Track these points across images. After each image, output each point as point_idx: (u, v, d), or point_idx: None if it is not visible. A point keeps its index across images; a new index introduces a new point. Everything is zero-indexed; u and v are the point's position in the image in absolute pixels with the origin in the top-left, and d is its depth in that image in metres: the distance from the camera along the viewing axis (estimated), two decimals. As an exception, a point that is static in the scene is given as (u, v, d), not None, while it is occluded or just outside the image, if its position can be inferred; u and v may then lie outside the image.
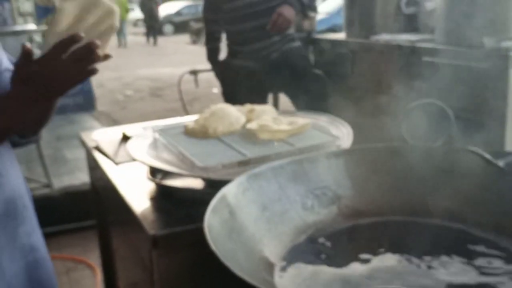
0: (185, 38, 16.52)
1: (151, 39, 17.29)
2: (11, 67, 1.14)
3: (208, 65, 3.05)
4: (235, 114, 1.48)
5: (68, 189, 3.00)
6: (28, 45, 0.98)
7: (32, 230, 1.22)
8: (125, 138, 1.71)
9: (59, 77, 0.97)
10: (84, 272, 2.39)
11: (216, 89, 7.16)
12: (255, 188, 1.02)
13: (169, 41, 15.78)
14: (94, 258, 2.28)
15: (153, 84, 8.21)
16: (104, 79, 8.36)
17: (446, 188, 1.05)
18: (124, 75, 9.16)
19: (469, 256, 0.91)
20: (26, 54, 0.96)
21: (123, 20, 16.10)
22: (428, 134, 1.24)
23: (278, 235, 0.98)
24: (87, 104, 5.29)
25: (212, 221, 0.84)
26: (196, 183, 1.36)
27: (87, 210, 2.21)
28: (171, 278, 1.17)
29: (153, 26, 17.21)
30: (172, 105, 5.62)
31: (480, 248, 0.93)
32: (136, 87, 8.03)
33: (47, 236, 1.28)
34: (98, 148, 1.71)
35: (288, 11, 2.55)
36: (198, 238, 0.80)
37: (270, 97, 3.50)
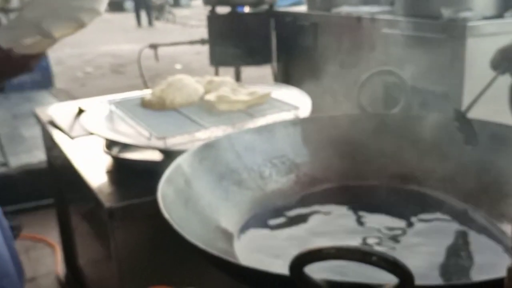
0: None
1: (144, 20, 13.78)
2: None
3: (169, 40, 2.99)
4: (193, 85, 1.45)
5: (25, 168, 2.91)
6: None
7: None
8: (81, 112, 1.67)
9: None
10: (43, 250, 2.34)
11: (179, 65, 7.06)
12: (212, 157, 1.01)
13: (131, 18, 15.42)
14: (54, 237, 2.23)
15: (115, 60, 8.03)
16: (63, 56, 8.12)
17: (402, 155, 1.06)
18: (85, 52, 8.92)
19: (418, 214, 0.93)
20: None
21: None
22: (385, 102, 1.24)
23: (235, 204, 0.98)
24: (45, 81, 5.13)
25: (167, 190, 0.83)
26: (155, 156, 1.33)
27: (45, 188, 2.16)
28: (129, 251, 1.15)
29: (141, 3, 13.98)
30: (134, 82, 5.51)
31: (432, 207, 0.95)
32: (97, 63, 7.84)
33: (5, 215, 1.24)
34: (52, 123, 1.66)
35: None
36: (156, 210, 0.78)
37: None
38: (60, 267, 2.17)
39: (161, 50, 3.75)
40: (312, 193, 1.05)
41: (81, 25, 1.02)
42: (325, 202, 1.02)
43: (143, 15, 13.98)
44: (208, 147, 1.01)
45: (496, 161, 0.98)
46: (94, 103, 1.67)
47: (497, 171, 0.97)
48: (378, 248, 0.84)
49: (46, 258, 2.30)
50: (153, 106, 1.40)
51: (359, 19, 2.47)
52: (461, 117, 1.03)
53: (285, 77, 3.18)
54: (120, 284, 1.17)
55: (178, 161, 0.92)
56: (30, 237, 2.45)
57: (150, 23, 13.88)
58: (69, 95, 4.94)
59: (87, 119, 1.38)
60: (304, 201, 1.02)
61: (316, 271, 0.52)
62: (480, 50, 1.95)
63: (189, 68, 6.84)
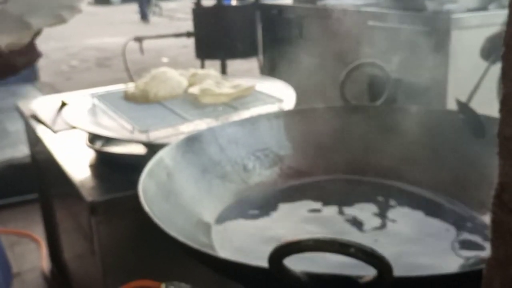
0: (133, 7, 16.09)
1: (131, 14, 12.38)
2: None
3: (152, 32, 2.96)
4: (177, 78, 1.44)
5: (10, 162, 2.88)
6: None
7: None
8: (64, 106, 1.65)
9: None
10: (29, 246, 2.32)
11: (166, 59, 7.02)
12: (195, 150, 1.00)
13: (117, 11, 15.30)
14: (39, 232, 2.22)
15: (100, 54, 7.96)
16: (48, 50, 8.03)
17: (385, 147, 1.06)
18: (70, 45, 8.83)
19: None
20: None
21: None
22: (370, 94, 1.24)
23: (219, 197, 0.97)
24: (30, 75, 5.05)
25: (148, 183, 0.82)
26: (138, 149, 1.32)
27: (30, 183, 2.14)
28: (112, 245, 1.14)
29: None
30: (120, 75, 5.47)
31: (417, 203, 0.95)
32: (82, 57, 7.76)
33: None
34: (35, 117, 1.64)
35: None
36: (139, 204, 0.77)
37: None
38: (45, 262, 2.16)
39: (147, 44, 3.72)
40: (296, 185, 1.04)
41: (61, 20, 1.02)
42: (309, 195, 1.02)
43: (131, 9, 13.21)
44: (191, 140, 1.01)
45: (480, 153, 0.98)
46: (77, 96, 1.65)
47: (482, 164, 0.97)
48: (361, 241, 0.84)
49: (31, 253, 2.28)
50: (137, 99, 1.39)
51: (344, 11, 2.47)
52: (465, 108, 1.01)
53: (271, 70, 3.17)
54: (104, 278, 1.16)
55: (160, 154, 0.92)
56: (15, 232, 2.43)
57: (144, 17, 12.48)
58: (54, 89, 4.89)
59: (70, 112, 1.37)
60: (288, 194, 1.01)
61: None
62: (464, 42, 1.96)
63: (175, 61, 6.80)
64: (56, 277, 2.00)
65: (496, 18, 1.83)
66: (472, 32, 1.93)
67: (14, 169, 2.83)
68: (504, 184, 0.47)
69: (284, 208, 0.97)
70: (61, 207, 1.65)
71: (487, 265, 0.49)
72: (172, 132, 1.19)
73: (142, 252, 1.13)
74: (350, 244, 0.46)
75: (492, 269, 0.49)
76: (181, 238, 0.63)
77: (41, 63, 5.74)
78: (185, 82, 1.45)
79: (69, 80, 6.14)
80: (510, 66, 0.46)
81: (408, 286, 0.52)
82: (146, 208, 0.71)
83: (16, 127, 3.59)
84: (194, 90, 1.37)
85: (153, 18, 13.21)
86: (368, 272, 0.50)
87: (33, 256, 2.26)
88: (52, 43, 8.58)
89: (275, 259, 0.50)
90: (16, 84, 4.88)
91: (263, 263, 0.53)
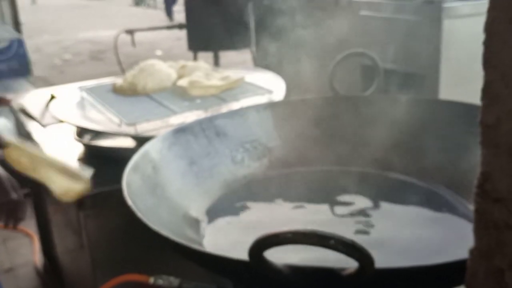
0: (127, 0, 16.00)
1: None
2: None
3: (146, 25, 2.93)
4: (166, 70, 1.43)
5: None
6: None
7: None
8: (53, 99, 1.63)
9: None
10: (21, 240, 2.31)
11: (160, 52, 6.98)
12: (182, 143, 0.99)
13: (111, 3, 15.20)
14: (32, 227, 2.20)
15: (94, 47, 7.90)
16: (41, 43, 7.98)
17: (375, 137, 1.05)
18: (63, 39, 8.77)
19: (395, 200, 0.92)
20: None
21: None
22: (362, 84, 1.23)
23: (207, 190, 0.96)
24: (22, 69, 5.02)
25: (133, 177, 0.81)
26: (127, 143, 1.31)
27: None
28: (101, 239, 1.13)
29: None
30: (113, 69, 5.43)
31: (406, 192, 0.95)
32: (76, 50, 7.71)
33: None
34: (24, 111, 1.63)
35: None
36: (127, 198, 0.76)
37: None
38: (38, 257, 2.15)
39: (141, 37, 3.68)
40: (285, 177, 1.03)
41: None
42: (298, 186, 1.01)
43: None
44: (178, 133, 1.00)
45: (470, 142, 0.97)
46: (67, 90, 1.64)
47: (472, 153, 0.96)
48: (348, 232, 0.83)
49: (24, 248, 2.27)
50: (125, 92, 1.37)
51: (336, 1, 2.45)
52: None
53: (264, 61, 3.15)
54: (94, 272, 1.15)
55: (146, 147, 0.91)
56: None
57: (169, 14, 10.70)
58: (47, 83, 4.86)
59: (58, 106, 1.35)
60: (276, 186, 1.01)
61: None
62: (456, 32, 1.95)
63: (169, 54, 6.76)
64: (49, 272, 1.99)
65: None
66: (464, 21, 1.92)
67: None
68: (487, 173, 0.46)
69: (272, 200, 0.96)
70: (52, 201, 1.64)
71: (471, 256, 0.48)
72: (160, 124, 1.18)
73: (131, 246, 1.12)
74: (330, 236, 0.45)
75: (476, 260, 0.48)
76: (163, 232, 0.62)
77: (34, 57, 5.69)
78: (174, 74, 1.43)
79: (62, 74, 6.10)
80: (492, 53, 0.45)
81: (390, 277, 0.51)
82: (129, 202, 0.71)
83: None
84: (183, 82, 1.35)
85: (147, 11, 13.10)
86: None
87: (26, 251, 2.24)
88: (46, 37, 8.51)
89: (255, 252, 0.49)
90: (9, 78, 4.85)
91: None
